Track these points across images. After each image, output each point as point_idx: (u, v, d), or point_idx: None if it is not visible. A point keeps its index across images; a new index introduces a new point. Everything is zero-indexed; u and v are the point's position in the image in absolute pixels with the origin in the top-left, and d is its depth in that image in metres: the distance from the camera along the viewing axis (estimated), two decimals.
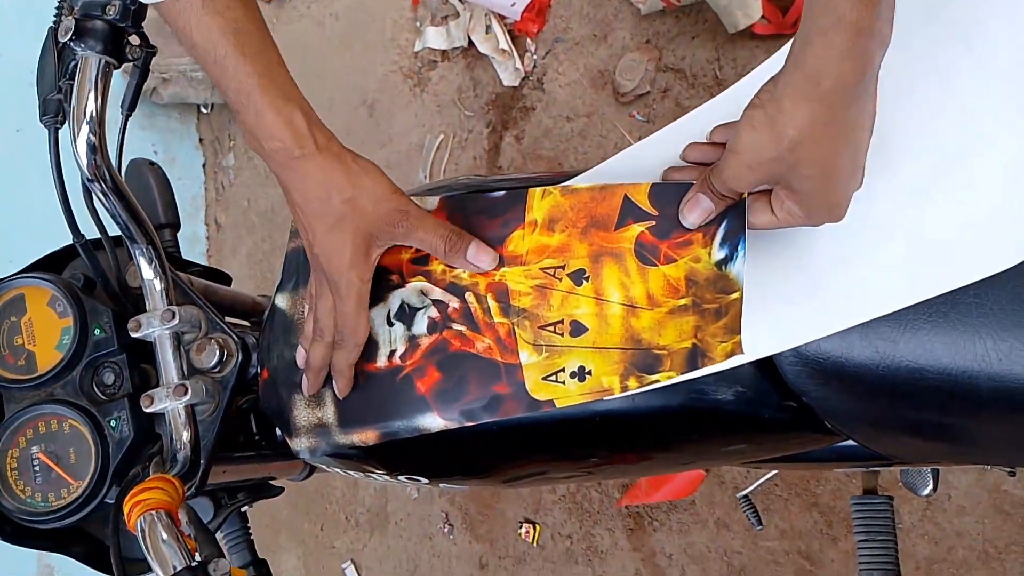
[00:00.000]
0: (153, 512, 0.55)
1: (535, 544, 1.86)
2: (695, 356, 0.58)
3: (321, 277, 0.62)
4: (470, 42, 2.06)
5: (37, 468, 0.66)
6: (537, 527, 1.85)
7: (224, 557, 0.55)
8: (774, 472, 1.19)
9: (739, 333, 0.58)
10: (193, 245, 2.78)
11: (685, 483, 1.58)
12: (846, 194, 0.52)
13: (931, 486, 0.92)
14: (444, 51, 2.14)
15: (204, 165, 2.83)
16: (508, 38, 1.96)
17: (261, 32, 0.58)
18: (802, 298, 0.58)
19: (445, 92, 2.14)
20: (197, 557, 0.55)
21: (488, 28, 1.97)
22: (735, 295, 0.58)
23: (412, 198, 0.69)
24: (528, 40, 1.96)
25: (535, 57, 1.95)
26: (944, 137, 0.56)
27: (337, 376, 0.65)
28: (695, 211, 0.57)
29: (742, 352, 0.57)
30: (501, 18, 1.97)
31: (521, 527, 1.87)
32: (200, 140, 2.83)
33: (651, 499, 1.64)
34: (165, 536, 0.54)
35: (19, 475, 0.65)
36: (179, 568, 0.52)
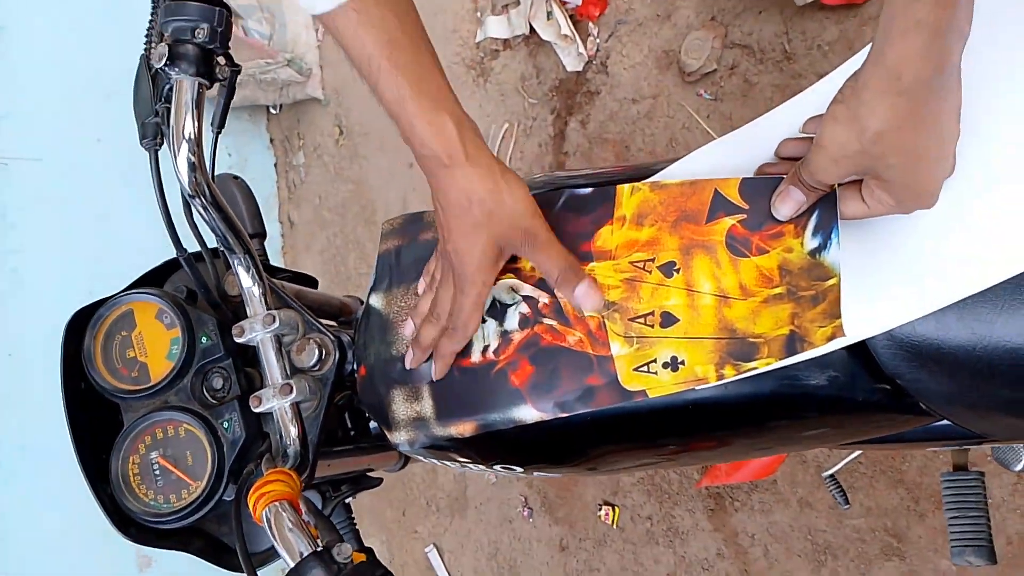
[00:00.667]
0: (277, 503, 0.59)
1: (615, 526, 1.88)
2: (793, 342, 0.59)
3: (448, 267, 0.65)
4: (532, 29, 2.06)
5: (157, 472, 0.70)
6: (616, 509, 1.87)
7: (344, 542, 0.58)
8: (859, 451, 1.18)
9: (839, 317, 0.58)
10: (268, 243, 2.86)
11: (766, 463, 1.58)
12: (935, 182, 0.53)
13: (1023, 461, 0.91)
14: (506, 40, 2.15)
15: (275, 164, 2.91)
16: (570, 23, 1.96)
17: (415, 43, 0.59)
18: (898, 280, 0.58)
19: (508, 81, 2.15)
20: (319, 544, 0.58)
21: (549, 14, 1.97)
22: (832, 281, 0.58)
23: None
24: (590, 24, 1.95)
25: (598, 41, 1.94)
26: None
27: (438, 359, 0.68)
28: (787, 203, 0.59)
29: (843, 335, 0.58)
30: (562, 3, 1.97)
31: (600, 509, 1.89)
32: (271, 140, 2.91)
33: (732, 480, 1.63)
34: (290, 524, 0.58)
35: (141, 479, 0.70)
36: (306, 553, 0.56)
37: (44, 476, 1.72)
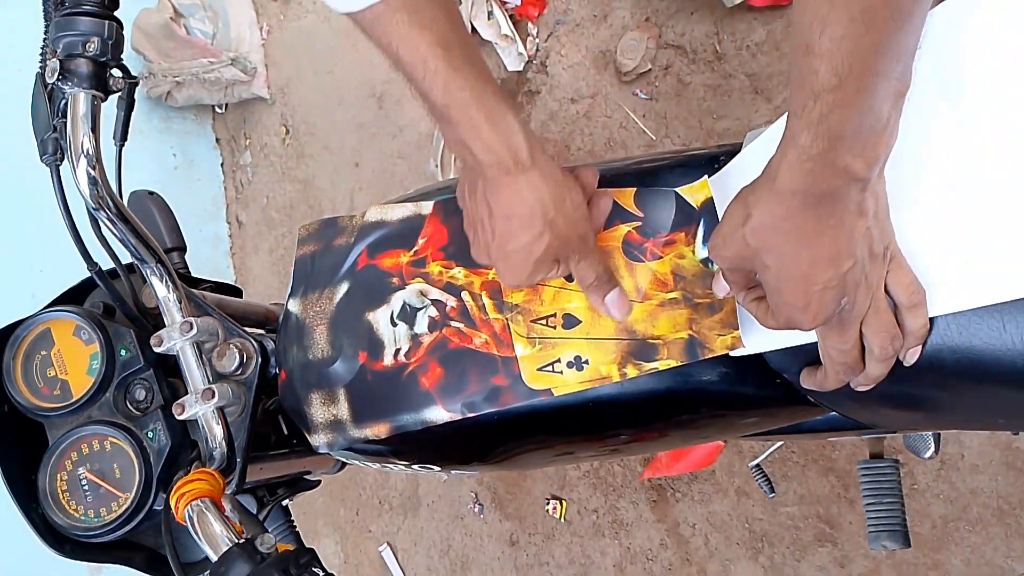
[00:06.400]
0: (198, 501, 0.60)
1: (563, 519, 1.91)
2: (693, 347, 0.62)
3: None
4: (473, 29, 2.07)
5: (86, 487, 0.70)
6: (564, 503, 1.90)
7: (268, 533, 0.59)
8: (780, 443, 1.22)
9: (737, 328, 0.61)
10: (216, 244, 2.84)
11: (704, 454, 1.61)
12: (804, 299, 0.50)
13: (932, 449, 0.95)
14: None
15: (222, 164, 2.88)
16: (510, 23, 1.97)
17: (467, 44, 0.56)
18: None
19: None
20: (243, 537, 0.58)
21: (490, 14, 1.98)
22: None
23: (408, 202, 0.72)
24: (529, 24, 1.97)
25: (537, 41, 1.96)
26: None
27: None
28: (717, 282, 0.60)
29: (743, 346, 0.61)
30: (502, 3, 1.98)
31: (548, 504, 1.92)
32: (217, 140, 2.88)
33: (672, 471, 1.67)
34: (212, 520, 0.59)
35: (70, 495, 0.70)
36: (229, 546, 0.56)
37: None
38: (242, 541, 0.57)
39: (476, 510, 2.08)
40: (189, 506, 0.60)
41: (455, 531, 2.14)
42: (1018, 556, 1.28)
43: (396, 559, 2.30)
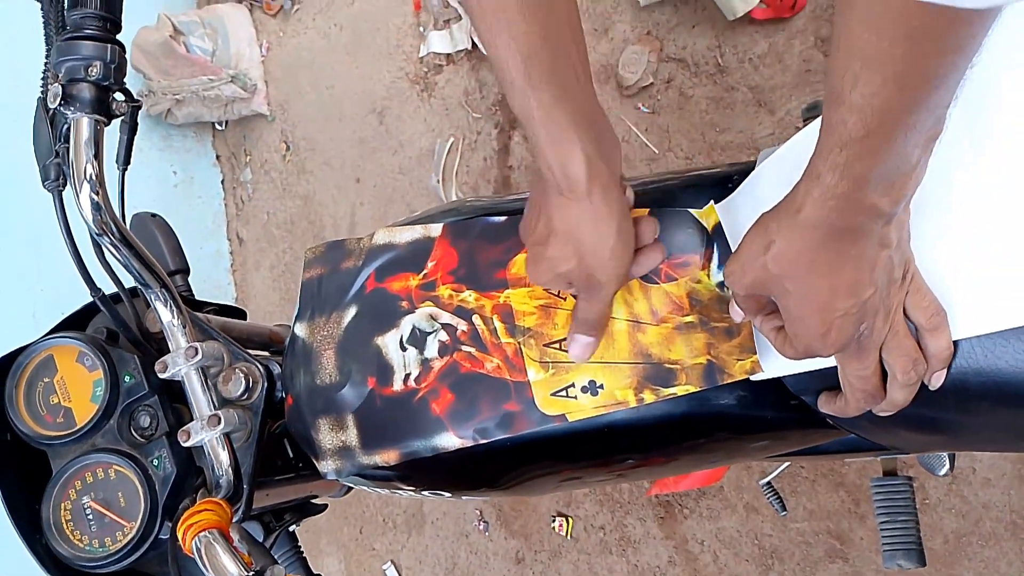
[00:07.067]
0: (206, 532, 0.59)
1: (569, 537, 1.89)
2: (712, 372, 0.61)
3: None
4: (473, 44, 2.08)
5: (90, 516, 0.69)
6: (570, 520, 1.88)
7: (278, 565, 0.58)
8: (788, 462, 1.21)
9: (755, 352, 0.60)
10: (217, 261, 2.84)
11: (713, 470, 1.60)
12: (822, 327, 0.50)
13: (947, 467, 0.93)
14: (449, 55, 2.16)
15: (223, 181, 2.88)
16: None
17: (557, 57, 0.54)
18: None
19: (452, 95, 2.16)
20: (252, 570, 0.57)
21: None
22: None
23: (417, 224, 0.71)
24: None
25: None
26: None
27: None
28: (732, 308, 0.59)
29: (762, 371, 0.60)
30: None
31: (554, 521, 1.90)
32: (217, 157, 2.88)
33: (680, 487, 1.65)
34: (220, 552, 0.58)
35: (74, 525, 0.69)
36: None
37: None
38: (250, 574, 0.56)
39: (481, 527, 2.06)
40: (197, 538, 0.59)
41: (460, 549, 2.12)
42: None
43: None
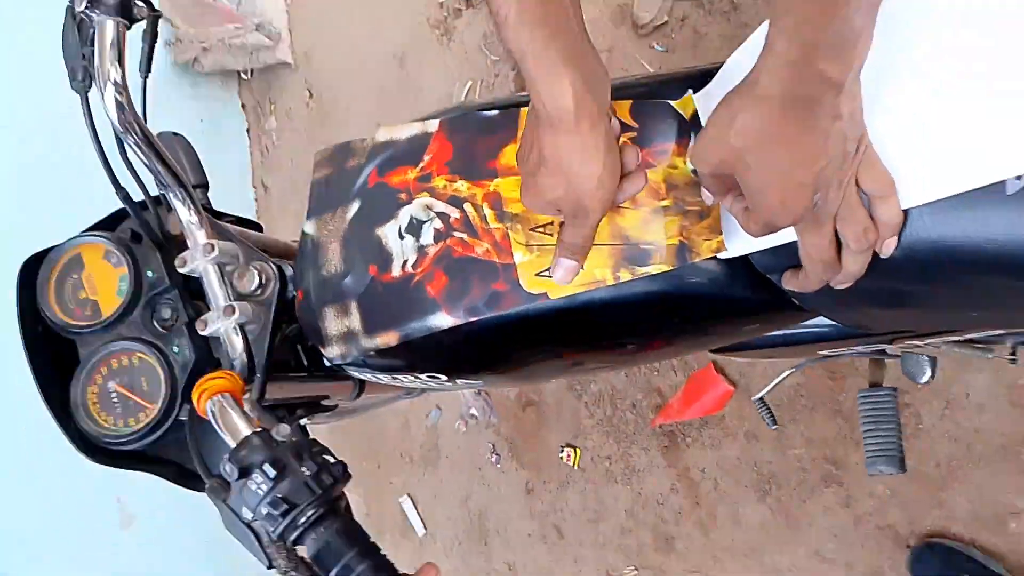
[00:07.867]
0: (220, 396, 0.65)
1: (576, 467, 1.96)
2: (683, 252, 0.65)
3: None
4: None
5: (115, 399, 0.75)
6: (577, 451, 1.94)
7: (284, 424, 0.63)
8: (786, 374, 1.24)
9: (720, 233, 0.65)
10: (243, 210, 2.89)
11: (715, 400, 1.65)
12: (786, 198, 0.53)
13: (929, 373, 0.97)
14: None
15: (248, 130, 2.93)
16: None
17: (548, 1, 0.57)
18: None
19: (471, 39, 2.19)
20: (262, 427, 0.63)
21: None
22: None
23: (415, 121, 0.76)
24: None
25: None
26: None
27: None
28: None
29: (725, 250, 0.64)
30: None
31: (562, 452, 1.97)
32: (243, 106, 2.93)
33: (683, 417, 1.71)
34: (232, 413, 0.63)
35: (101, 407, 0.75)
36: (247, 434, 0.61)
37: (21, 444, 1.72)
38: (259, 430, 0.62)
39: (494, 460, 2.13)
40: (211, 400, 0.65)
41: (473, 481, 2.20)
42: (1021, 492, 1.30)
43: (416, 509, 2.36)
